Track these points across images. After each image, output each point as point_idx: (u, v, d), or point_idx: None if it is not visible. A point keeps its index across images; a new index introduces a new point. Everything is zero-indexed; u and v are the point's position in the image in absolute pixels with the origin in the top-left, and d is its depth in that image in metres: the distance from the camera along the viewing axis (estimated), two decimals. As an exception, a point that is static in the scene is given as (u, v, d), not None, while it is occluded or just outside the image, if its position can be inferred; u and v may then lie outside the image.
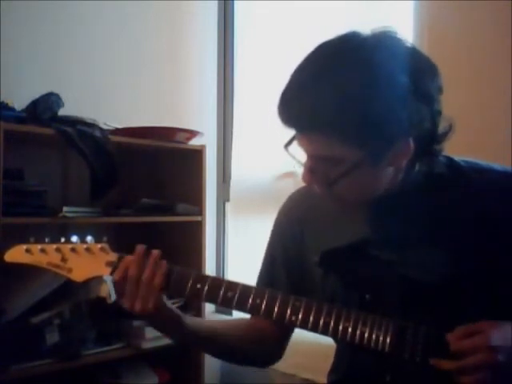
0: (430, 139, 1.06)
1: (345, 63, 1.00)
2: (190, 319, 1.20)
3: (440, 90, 1.06)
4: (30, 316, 2.04)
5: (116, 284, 1.14)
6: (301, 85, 1.02)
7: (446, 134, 1.08)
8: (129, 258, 1.13)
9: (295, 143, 1.08)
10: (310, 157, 1.06)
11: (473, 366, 0.97)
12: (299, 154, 1.08)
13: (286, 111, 1.03)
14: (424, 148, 1.06)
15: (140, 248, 1.14)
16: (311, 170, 1.07)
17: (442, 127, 1.07)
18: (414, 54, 1.05)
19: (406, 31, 2.18)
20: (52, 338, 2.07)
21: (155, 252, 1.14)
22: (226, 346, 1.27)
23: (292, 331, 1.31)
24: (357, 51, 1.01)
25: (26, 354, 1.99)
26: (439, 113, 1.06)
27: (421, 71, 1.03)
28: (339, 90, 0.97)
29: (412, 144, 1.03)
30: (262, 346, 1.29)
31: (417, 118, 1.01)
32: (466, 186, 1.13)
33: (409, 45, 1.06)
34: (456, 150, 1.17)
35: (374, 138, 1.00)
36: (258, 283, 1.31)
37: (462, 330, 1.01)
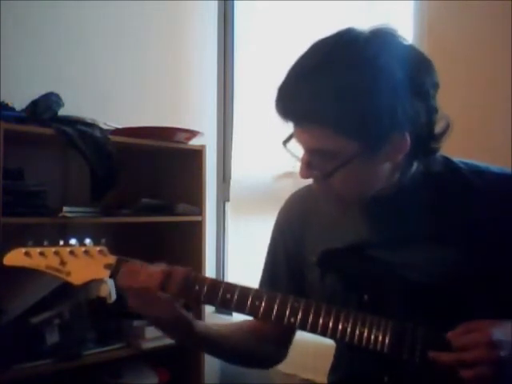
0: (426, 136, 1.06)
1: (341, 57, 1.00)
2: (199, 326, 1.19)
3: (436, 85, 1.06)
4: (30, 316, 2.04)
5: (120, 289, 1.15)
6: (297, 78, 1.02)
7: (443, 133, 1.08)
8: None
9: (294, 141, 1.08)
10: (307, 150, 1.06)
11: (473, 359, 0.96)
12: (297, 151, 1.09)
13: (282, 103, 1.04)
14: (421, 145, 1.06)
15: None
16: (308, 164, 1.07)
17: (439, 125, 1.07)
18: (409, 49, 1.06)
19: (406, 31, 2.18)
20: (52, 337, 2.07)
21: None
22: (233, 349, 1.27)
23: (294, 332, 1.31)
24: (352, 45, 1.01)
25: (26, 354, 2.00)
26: (435, 109, 1.06)
27: (416, 66, 1.03)
28: (335, 82, 0.98)
29: (408, 139, 1.03)
30: (266, 347, 1.30)
31: (412, 111, 1.01)
32: (464, 188, 1.12)
33: (404, 40, 1.07)
34: (455, 150, 1.17)
35: (370, 130, 1.00)
36: (260, 284, 1.31)
37: (463, 327, 1.00)
